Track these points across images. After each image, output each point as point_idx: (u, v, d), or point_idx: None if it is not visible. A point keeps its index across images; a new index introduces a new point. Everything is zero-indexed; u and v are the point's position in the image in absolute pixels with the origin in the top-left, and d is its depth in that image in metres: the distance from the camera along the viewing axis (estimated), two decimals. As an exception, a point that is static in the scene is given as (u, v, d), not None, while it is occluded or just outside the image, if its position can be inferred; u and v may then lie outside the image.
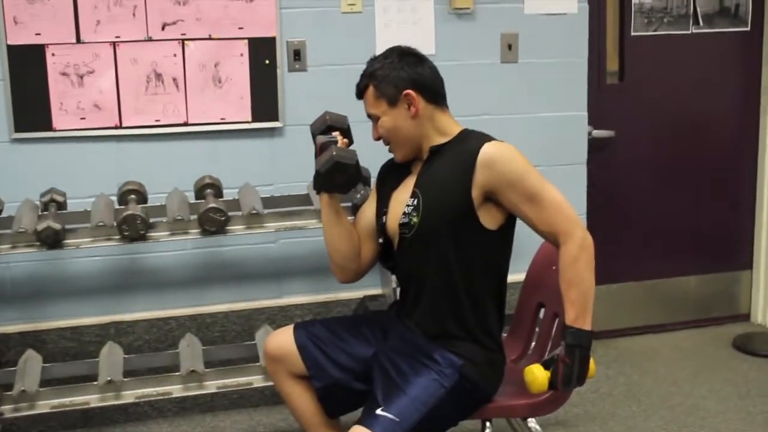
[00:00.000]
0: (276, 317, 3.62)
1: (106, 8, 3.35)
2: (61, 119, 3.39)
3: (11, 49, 3.31)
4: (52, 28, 3.33)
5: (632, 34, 4.20)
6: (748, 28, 4.37)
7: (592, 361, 2.38)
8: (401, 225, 2.51)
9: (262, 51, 3.50)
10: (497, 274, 2.54)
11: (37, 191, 3.22)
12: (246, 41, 3.48)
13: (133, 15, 3.38)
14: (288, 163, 3.57)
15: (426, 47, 3.56)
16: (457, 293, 2.45)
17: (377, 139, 2.57)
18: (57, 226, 2.93)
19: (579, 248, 2.36)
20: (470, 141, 2.46)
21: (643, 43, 4.23)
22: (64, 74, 3.36)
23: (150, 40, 3.41)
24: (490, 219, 2.43)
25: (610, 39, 4.22)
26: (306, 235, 3.51)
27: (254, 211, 3.11)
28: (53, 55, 3.34)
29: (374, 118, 2.55)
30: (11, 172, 3.37)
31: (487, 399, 2.50)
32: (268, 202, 3.25)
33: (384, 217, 2.61)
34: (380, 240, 2.64)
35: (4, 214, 3.15)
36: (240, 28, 3.47)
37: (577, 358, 2.33)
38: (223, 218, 3.04)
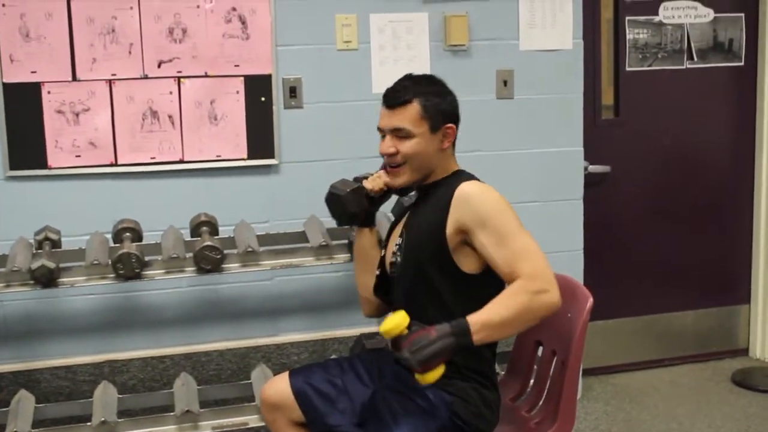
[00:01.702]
0: (272, 355, 3.59)
1: (102, 46, 3.36)
2: (56, 157, 3.38)
3: (7, 86, 3.31)
4: (48, 65, 3.33)
5: (627, 69, 4.23)
6: (742, 63, 4.40)
7: (441, 369, 2.15)
8: (391, 264, 2.55)
9: (258, 88, 3.50)
10: None
11: (32, 229, 3.20)
12: (242, 78, 3.49)
13: (129, 53, 3.39)
14: (284, 200, 3.56)
15: (422, 84, 3.60)
16: None
17: (392, 154, 2.48)
18: (51, 264, 2.92)
19: (535, 291, 2.18)
20: (456, 181, 2.44)
21: (638, 79, 4.25)
22: (59, 112, 3.36)
23: (146, 77, 3.41)
24: (468, 263, 2.37)
25: (605, 74, 4.24)
26: (302, 273, 3.49)
27: (250, 249, 3.09)
28: (49, 92, 3.34)
29: (401, 134, 2.46)
30: (5, 210, 3.36)
31: None
32: (263, 239, 3.24)
33: (384, 251, 2.64)
34: (377, 272, 2.65)
35: (-2, 253, 3.14)
36: (236, 66, 3.48)
37: (443, 341, 2.13)
38: (218, 256, 3.03)
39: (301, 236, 3.29)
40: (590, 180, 4.07)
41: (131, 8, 3.37)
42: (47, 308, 3.44)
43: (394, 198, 2.82)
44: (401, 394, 2.41)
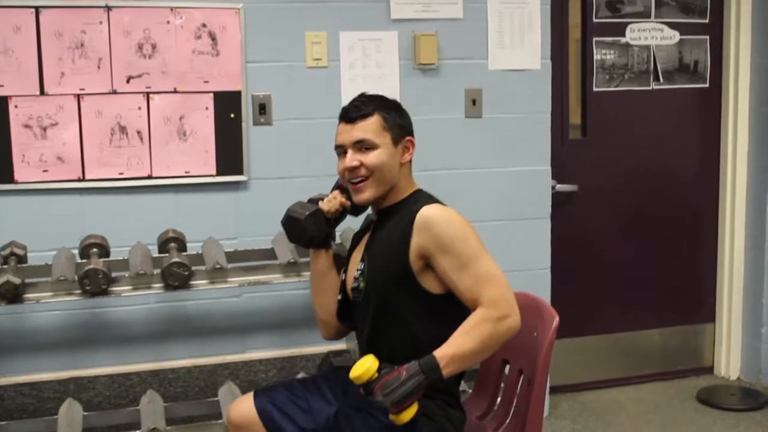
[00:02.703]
0: (239, 372, 3.58)
1: (70, 60, 3.34)
2: (23, 171, 3.35)
3: (-26, 100, 3.29)
4: (16, 80, 3.31)
5: (594, 89, 4.27)
6: (707, 85, 4.47)
7: (415, 407, 2.20)
8: (353, 289, 2.54)
9: (227, 104, 3.50)
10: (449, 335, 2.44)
11: (-3, 244, 3.18)
12: (211, 95, 3.49)
13: (98, 67, 3.38)
14: (252, 217, 3.56)
15: (391, 102, 3.62)
16: (406, 357, 2.29)
17: (356, 167, 2.46)
18: (17, 280, 2.89)
19: (498, 318, 2.22)
20: (416, 203, 2.43)
21: (605, 99, 4.30)
22: (27, 126, 3.33)
23: (114, 92, 3.40)
24: (434, 284, 2.38)
25: (572, 95, 4.28)
26: (270, 290, 3.49)
27: (218, 266, 3.08)
28: (16, 107, 3.32)
29: (364, 145, 2.45)
30: (-30, 225, 3.33)
31: None
32: (232, 256, 3.23)
33: (344, 275, 2.64)
34: (339, 297, 2.64)
35: (-37, 268, 3.10)
36: (205, 82, 3.48)
37: (415, 381, 2.16)
38: (186, 273, 3.01)
39: (270, 253, 3.28)
40: (558, 199, 4.11)
41: (101, 23, 3.36)
42: (12, 324, 3.40)
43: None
44: (364, 411, 2.40)
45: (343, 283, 2.63)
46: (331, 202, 2.64)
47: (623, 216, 4.42)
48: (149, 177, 3.46)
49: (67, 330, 3.45)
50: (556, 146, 4.02)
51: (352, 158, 2.47)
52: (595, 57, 4.24)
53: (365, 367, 2.19)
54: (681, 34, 4.35)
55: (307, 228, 2.63)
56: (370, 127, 2.46)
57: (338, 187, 2.67)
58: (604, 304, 4.44)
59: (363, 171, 2.47)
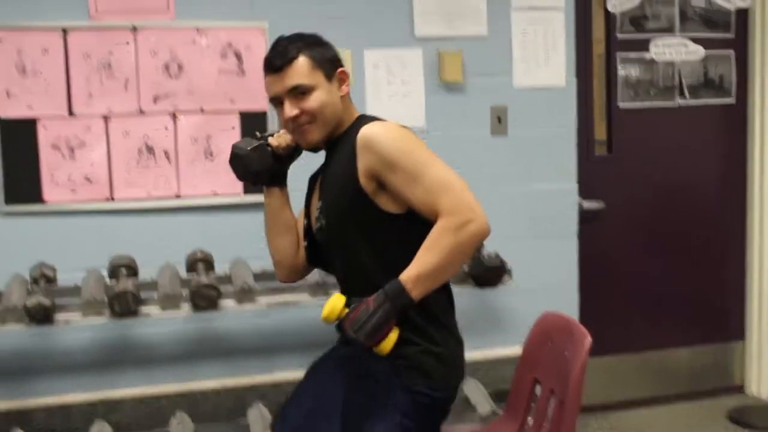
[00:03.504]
0: (268, 393, 3.55)
1: (98, 81, 3.36)
2: (51, 192, 3.37)
3: (3, 122, 3.30)
4: (45, 101, 3.33)
5: (619, 106, 4.25)
6: (733, 100, 4.43)
7: (394, 334, 2.14)
8: (317, 230, 2.41)
9: (253, 124, 3.49)
10: None
11: (27, 265, 3.19)
12: (237, 114, 3.49)
13: (125, 88, 3.39)
14: (280, 236, 3.55)
15: (416, 120, 3.63)
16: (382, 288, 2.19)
17: (297, 115, 2.31)
18: (47, 302, 2.90)
19: (459, 225, 2.11)
20: (357, 127, 2.29)
21: (630, 115, 4.27)
22: (55, 147, 3.35)
23: (142, 113, 3.41)
24: (391, 204, 2.24)
25: (597, 111, 4.26)
26: (298, 310, 3.47)
27: (246, 287, 3.08)
28: (45, 128, 3.34)
29: (302, 90, 2.30)
30: (0, 245, 3.33)
31: (447, 403, 2.33)
32: (260, 276, 3.22)
33: (306, 219, 2.52)
34: (305, 243, 2.52)
35: (-7, 289, 3.11)
36: (231, 101, 3.49)
37: (383, 309, 2.10)
38: (214, 294, 3.02)
39: (298, 273, 3.28)
40: (584, 216, 4.08)
41: (127, 43, 3.38)
42: (41, 345, 3.40)
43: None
44: (363, 401, 2.29)
45: (308, 227, 2.49)
46: (281, 137, 2.48)
47: (650, 232, 4.38)
48: (177, 197, 3.47)
49: (95, 351, 3.46)
50: (581, 163, 4.00)
51: (291, 108, 2.31)
52: (619, 73, 4.22)
53: (331, 305, 2.15)
54: (706, 49, 4.32)
55: (250, 163, 2.46)
56: (299, 71, 2.30)
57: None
58: (632, 322, 4.40)
59: (304, 117, 2.32)
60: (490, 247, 3.42)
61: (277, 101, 2.35)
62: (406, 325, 2.21)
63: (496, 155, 3.81)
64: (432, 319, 2.29)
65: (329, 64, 2.35)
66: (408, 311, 2.16)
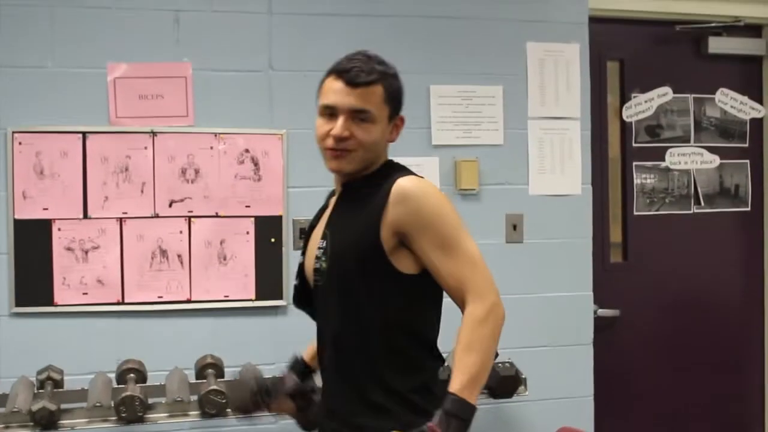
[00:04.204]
0: (276, 503, 3.48)
1: (114, 185, 3.39)
2: (62, 294, 3.36)
3: (18, 223, 3.31)
4: (60, 203, 3.35)
5: (635, 213, 4.25)
6: (749, 208, 4.43)
7: None
8: (315, 271, 2.27)
9: (268, 229, 3.51)
10: (430, 322, 2.25)
11: (34, 367, 3.16)
12: (252, 219, 3.50)
13: (142, 192, 3.41)
14: (291, 342, 3.46)
15: (431, 226, 3.61)
16: (378, 351, 2.14)
17: (346, 138, 2.17)
18: (52, 406, 2.86)
19: (488, 312, 2.05)
20: (389, 174, 2.19)
21: (646, 222, 4.27)
22: (69, 249, 3.36)
23: (157, 216, 3.43)
24: (408, 263, 2.14)
25: (613, 218, 4.26)
26: (308, 418, 3.42)
27: (255, 394, 3.03)
28: (59, 230, 3.35)
29: (364, 118, 2.17)
30: (8, 347, 3.31)
31: None
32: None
33: (302, 258, 2.39)
34: (296, 282, 2.44)
35: (-1, 392, 3.08)
36: (247, 206, 3.50)
37: (453, 428, 1.96)
38: (223, 401, 2.98)
39: (308, 380, 3.23)
40: (599, 324, 4.04)
41: (146, 148, 3.42)
42: (45, 450, 3.35)
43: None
44: None
45: (302, 266, 2.39)
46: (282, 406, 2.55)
47: (667, 341, 4.32)
48: (188, 301, 3.45)
49: (100, 457, 3.39)
50: (597, 270, 3.98)
51: (344, 127, 2.16)
52: (635, 181, 4.23)
53: None
54: (721, 158, 4.34)
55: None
56: (373, 98, 2.17)
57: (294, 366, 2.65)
58: (650, 432, 4.31)
59: (351, 144, 2.18)
60: (503, 356, 3.37)
61: (330, 111, 2.20)
62: (406, 388, 2.14)
63: (512, 263, 3.78)
64: (438, 384, 2.20)
65: (398, 104, 2.26)
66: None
